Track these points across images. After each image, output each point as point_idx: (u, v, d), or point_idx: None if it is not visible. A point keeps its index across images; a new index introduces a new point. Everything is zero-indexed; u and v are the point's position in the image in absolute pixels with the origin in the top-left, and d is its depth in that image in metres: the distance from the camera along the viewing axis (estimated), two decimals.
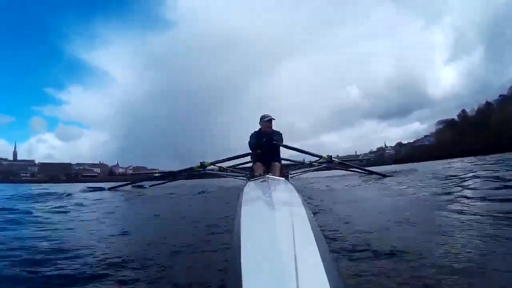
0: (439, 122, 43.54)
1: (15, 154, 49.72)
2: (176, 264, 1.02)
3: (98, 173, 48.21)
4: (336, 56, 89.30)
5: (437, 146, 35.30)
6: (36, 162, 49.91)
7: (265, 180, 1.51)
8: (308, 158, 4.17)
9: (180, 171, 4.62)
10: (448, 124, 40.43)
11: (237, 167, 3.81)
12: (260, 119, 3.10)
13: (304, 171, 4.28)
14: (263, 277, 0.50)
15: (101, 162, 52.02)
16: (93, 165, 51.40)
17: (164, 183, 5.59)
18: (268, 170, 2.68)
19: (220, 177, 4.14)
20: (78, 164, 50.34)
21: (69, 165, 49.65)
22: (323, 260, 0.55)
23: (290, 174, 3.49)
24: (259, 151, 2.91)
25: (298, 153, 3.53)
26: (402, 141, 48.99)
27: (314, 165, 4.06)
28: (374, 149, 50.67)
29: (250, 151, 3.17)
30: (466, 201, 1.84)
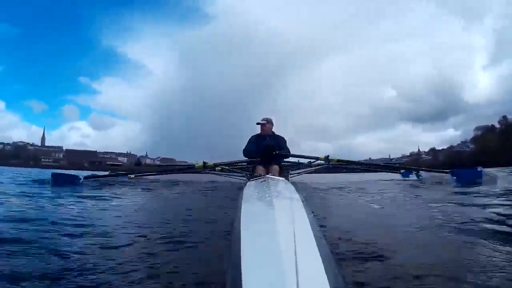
0: (478, 128, 40.74)
1: (43, 139, 52.38)
2: (174, 264, 1.00)
3: (124, 163, 50.29)
4: (372, 55, 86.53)
5: (479, 152, 32.20)
6: (64, 148, 52.29)
7: (265, 180, 1.51)
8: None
9: (182, 168, 4.77)
10: (487, 131, 37.01)
11: (238, 167, 3.86)
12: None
13: (304, 172, 4.25)
14: (263, 277, 0.50)
15: (129, 152, 54.39)
16: (121, 154, 53.49)
17: (154, 174, 5.53)
18: (268, 170, 2.66)
19: (221, 176, 4.20)
20: (105, 153, 52.68)
21: (95, 153, 52.02)
22: (323, 260, 0.55)
23: (290, 174, 3.49)
24: (258, 159, 2.91)
25: (298, 153, 3.58)
26: (435, 147, 46.50)
27: (314, 165, 3.99)
28: (407, 153, 48.73)
29: (246, 153, 3.17)
30: None
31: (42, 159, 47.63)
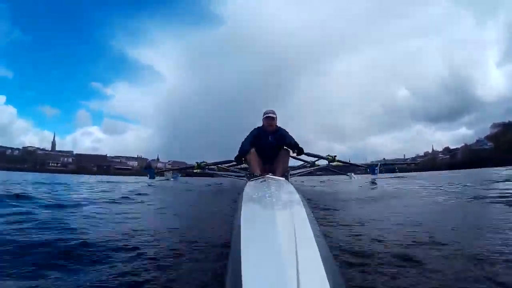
0: (495, 125, 38.93)
1: (53, 144, 52.80)
2: (174, 264, 1.01)
3: (133, 167, 50.32)
4: (385, 54, 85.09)
5: (499, 150, 30.69)
6: (74, 153, 52.40)
7: (265, 180, 1.51)
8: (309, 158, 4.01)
9: (180, 169, 4.79)
10: (505, 127, 35.45)
11: (237, 166, 3.85)
12: (263, 114, 2.72)
13: (305, 172, 4.19)
14: (264, 277, 0.50)
15: (140, 156, 54.32)
16: (131, 158, 53.42)
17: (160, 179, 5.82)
18: (268, 170, 2.50)
19: (221, 177, 4.20)
20: (115, 157, 52.75)
21: (104, 157, 52.01)
22: (324, 260, 0.55)
23: (290, 174, 3.40)
24: (254, 151, 2.57)
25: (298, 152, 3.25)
26: (449, 147, 45.49)
27: (315, 165, 3.93)
28: (421, 153, 47.72)
29: (242, 149, 2.65)
30: None
31: (50, 163, 47.39)
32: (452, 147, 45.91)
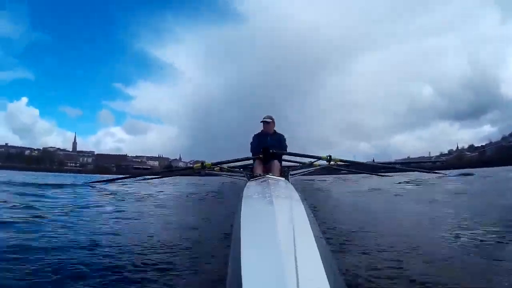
0: None
1: (74, 144, 53.03)
2: (174, 263, 1.02)
3: (151, 166, 50.21)
4: (408, 51, 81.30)
5: None
6: (95, 153, 52.00)
7: (265, 180, 1.52)
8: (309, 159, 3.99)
9: (180, 169, 4.78)
10: None
11: (238, 167, 3.86)
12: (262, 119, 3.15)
13: (304, 172, 4.18)
14: (263, 277, 0.51)
15: (161, 155, 53.47)
16: (152, 158, 52.62)
17: (159, 177, 5.75)
18: (268, 170, 2.67)
19: (221, 176, 4.21)
20: (136, 157, 52.56)
21: (124, 156, 52.14)
22: (323, 260, 0.56)
23: (290, 174, 3.45)
24: (261, 155, 2.96)
25: (298, 152, 3.51)
26: (474, 144, 43.10)
27: (314, 165, 3.87)
28: (445, 151, 45.80)
29: (252, 154, 3.19)
30: None
31: (69, 164, 47.36)
32: (476, 144, 43.61)
